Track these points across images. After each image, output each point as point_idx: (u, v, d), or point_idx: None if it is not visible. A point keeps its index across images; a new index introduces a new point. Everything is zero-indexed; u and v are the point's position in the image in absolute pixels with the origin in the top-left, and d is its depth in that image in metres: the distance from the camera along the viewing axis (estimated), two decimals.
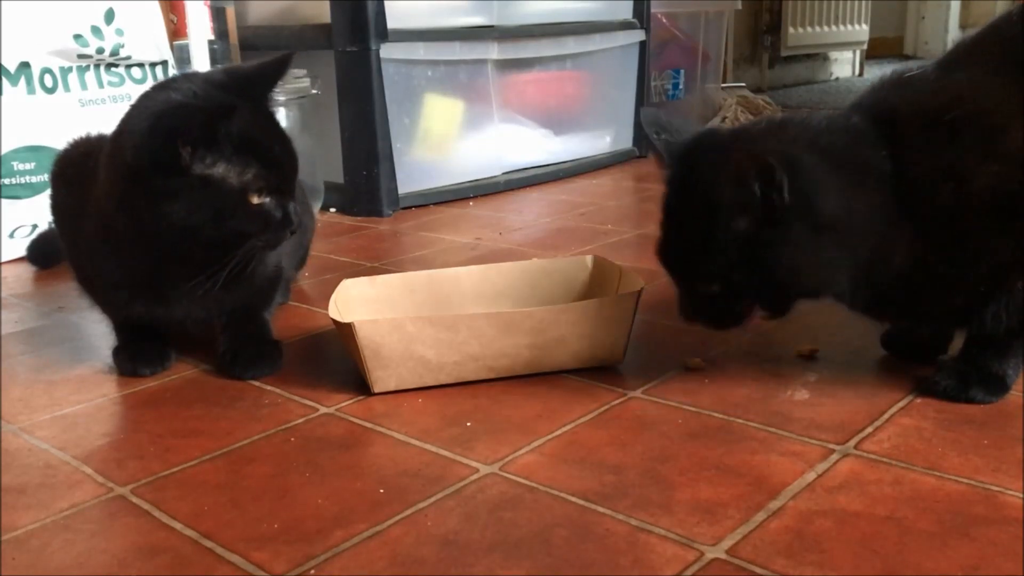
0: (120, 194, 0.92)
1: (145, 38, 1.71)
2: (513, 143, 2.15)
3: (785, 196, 0.78)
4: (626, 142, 2.47)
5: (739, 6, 3.00)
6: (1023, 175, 0.79)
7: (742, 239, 0.81)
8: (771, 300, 0.87)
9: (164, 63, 1.77)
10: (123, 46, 1.68)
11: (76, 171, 1.04)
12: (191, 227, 0.89)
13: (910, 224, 0.83)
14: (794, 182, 0.78)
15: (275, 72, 0.96)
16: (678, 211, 0.86)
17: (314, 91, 1.83)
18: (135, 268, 0.97)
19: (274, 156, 0.93)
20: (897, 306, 0.88)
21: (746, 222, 0.80)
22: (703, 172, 0.83)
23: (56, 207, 1.10)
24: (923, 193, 0.82)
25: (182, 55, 1.80)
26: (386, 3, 1.80)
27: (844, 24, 4.04)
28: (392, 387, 0.94)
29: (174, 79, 0.98)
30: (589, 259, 1.14)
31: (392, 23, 1.82)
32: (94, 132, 1.11)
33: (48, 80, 1.61)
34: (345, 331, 0.92)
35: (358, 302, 1.07)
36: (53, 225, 1.13)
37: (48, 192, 1.12)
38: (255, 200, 0.91)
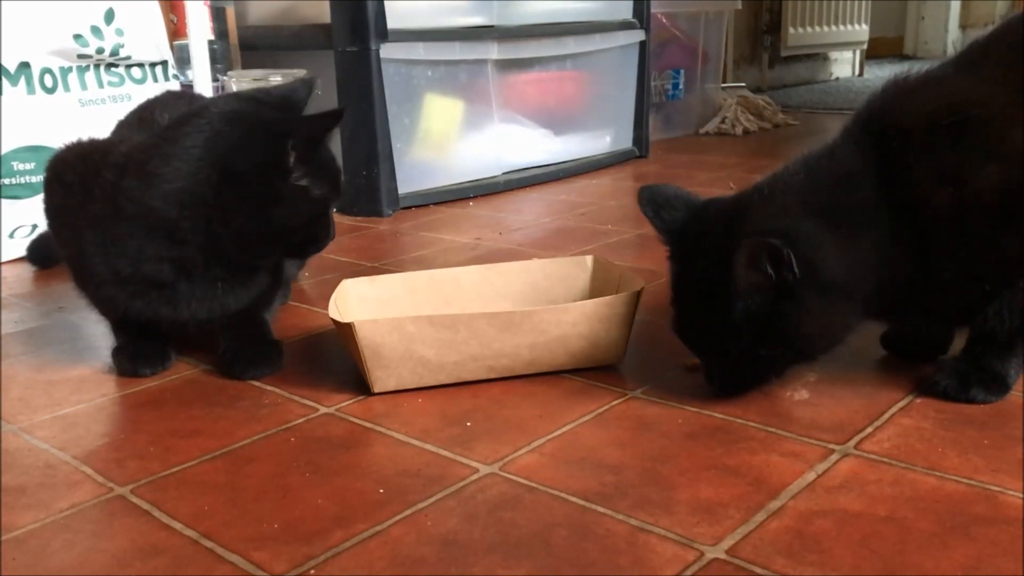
0: (203, 196, 0.94)
1: (145, 38, 1.71)
2: (513, 143, 2.15)
3: (796, 271, 0.80)
4: (626, 142, 2.47)
5: (739, 6, 3.00)
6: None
7: (757, 315, 0.83)
8: (786, 363, 0.90)
9: (164, 63, 1.77)
10: (123, 46, 1.68)
11: (74, 172, 1.04)
12: (286, 229, 0.98)
13: (910, 232, 0.83)
14: (798, 255, 0.80)
15: (332, 123, 1.00)
16: (690, 291, 0.89)
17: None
18: (164, 264, 0.97)
19: (335, 175, 1.02)
20: (902, 307, 0.89)
21: (760, 300, 0.82)
22: (711, 255, 0.85)
23: (52, 209, 1.09)
24: (925, 197, 0.82)
25: (182, 55, 1.80)
26: (386, 3, 1.80)
27: (844, 24, 4.04)
28: (392, 387, 0.94)
29: (240, 97, 1.05)
30: (589, 259, 1.14)
31: (392, 23, 1.82)
32: (86, 136, 1.11)
33: (48, 80, 1.61)
34: (345, 331, 0.92)
35: (358, 302, 1.07)
36: (48, 228, 1.13)
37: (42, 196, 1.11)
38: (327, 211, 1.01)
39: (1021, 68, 0.83)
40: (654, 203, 0.94)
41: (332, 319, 0.94)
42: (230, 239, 0.96)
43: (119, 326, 1.08)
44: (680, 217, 0.92)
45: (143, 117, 1.14)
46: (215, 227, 0.95)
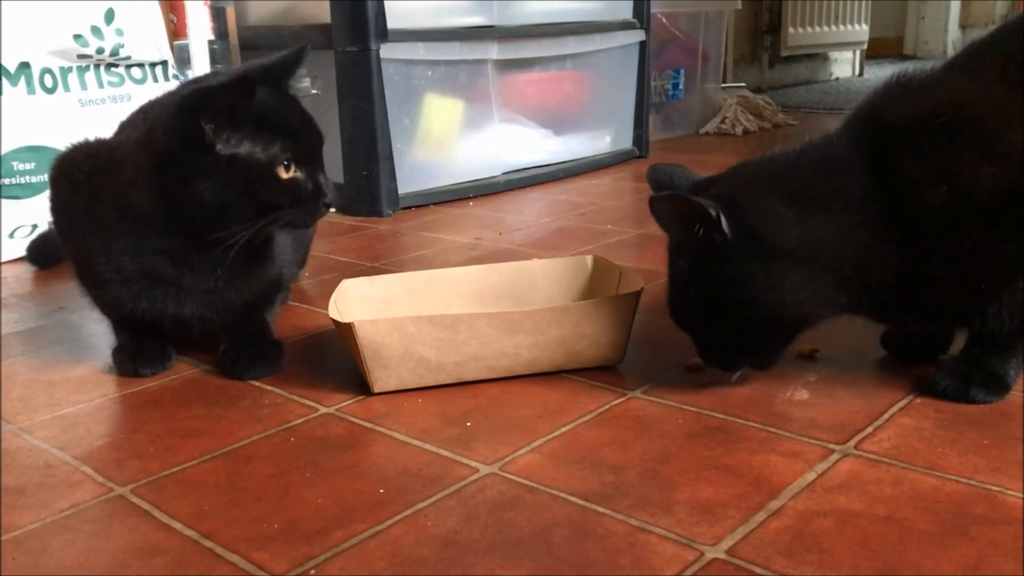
0: (152, 179, 0.94)
1: (145, 38, 1.71)
2: (513, 143, 2.15)
3: (726, 231, 0.83)
4: (626, 142, 2.47)
5: (739, 6, 3.00)
6: (1021, 176, 0.79)
7: (707, 282, 0.86)
8: (754, 343, 0.90)
9: (164, 63, 1.77)
10: (123, 46, 1.68)
11: (82, 171, 1.04)
12: (222, 204, 0.92)
13: (904, 231, 0.83)
14: (737, 218, 0.83)
15: (293, 61, 1.00)
16: (671, 266, 0.92)
17: (314, 91, 1.83)
18: (158, 256, 0.98)
19: (297, 127, 0.96)
20: (900, 309, 0.89)
21: (700, 262, 0.86)
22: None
23: (58, 207, 1.09)
24: (920, 195, 0.82)
25: (182, 55, 1.80)
26: (386, 3, 1.80)
27: (844, 24, 4.04)
28: (392, 387, 0.94)
29: (204, 76, 1.04)
30: (589, 259, 1.14)
31: (392, 23, 1.82)
32: (92, 136, 1.11)
33: (48, 80, 1.61)
34: (345, 331, 0.92)
35: (358, 302, 1.07)
36: (53, 226, 1.13)
37: (48, 193, 1.11)
38: (284, 174, 0.94)
39: (1017, 68, 0.83)
40: (658, 183, 0.96)
41: (332, 319, 0.94)
42: (183, 218, 0.95)
43: (120, 325, 1.08)
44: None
45: (148, 118, 1.14)
46: (168, 209, 0.95)
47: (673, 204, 0.85)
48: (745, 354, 0.90)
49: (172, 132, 0.92)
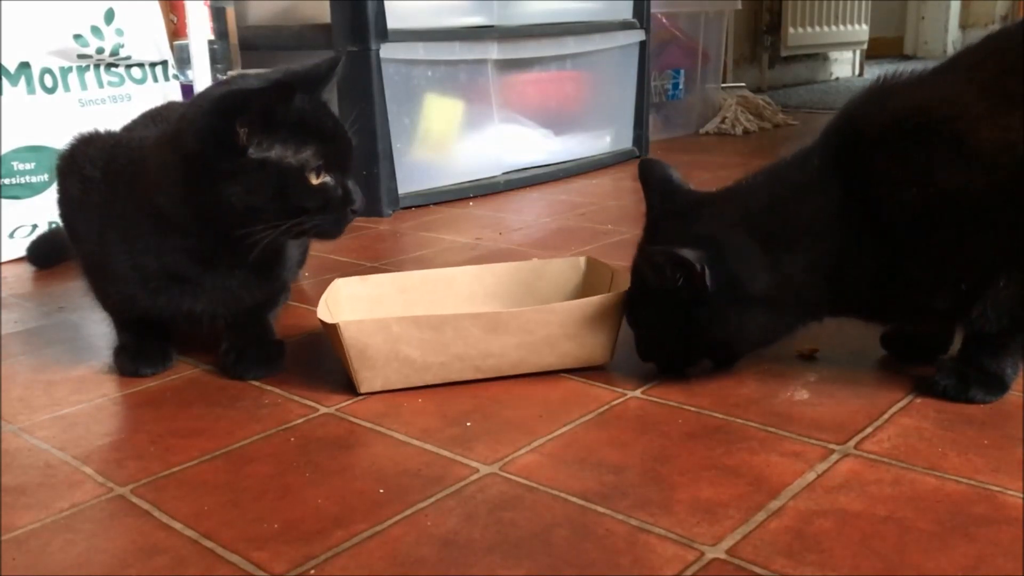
0: (178, 179, 0.93)
1: (145, 38, 1.71)
2: (513, 143, 2.15)
3: (708, 284, 0.86)
4: (626, 142, 2.47)
5: (739, 6, 3.00)
6: (992, 176, 0.80)
7: (675, 313, 0.90)
8: (715, 357, 0.98)
9: (164, 63, 1.77)
10: (123, 46, 1.68)
11: (95, 166, 1.03)
12: (250, 207, 0.91)
13: (879, 234, 0.85)
14: (720, 267, 0.86)
15: (327, 71, 0.99)
16: (636, 272, 0.96)
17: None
18: (180, 255, 0.98)
19: (329, 133, 0.95)
20: (882, 311, 0.91)
21: (672, 303, 0.89)
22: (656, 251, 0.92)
23: (68, 202, 1.07)
24: (890, 200, 0.84)
25: (182, 55, 1.80)
26: (386, 3, 1.80)
27: (844, 24, 4.04)
28: (378, 387, 0.94)
29: (233, 79, 1.03)
30: (582, 260, 1.14)
31: (392, 23, 1.82)
32: (97, 129, 1.10)
33: (48, 80, 1.61)
34: (331, 332, 0.92)
35: (349, 302, 1.07)
36: (60, 220, 1.11)
37: (55, 188, 1.09)
38: (314, 179, 0.93)
39: (990, 71, 0.84)
40: (647, 181, 1.03)
41: (320, 319, 0.94)
42: (207, 219, 0.94)
43: (123, 325, 1.08)
44: (665, 204, 0.99)
45: (156, 122, 1.13)
46: (193, 210, 0.94)
47: (663, 257, 0.88)
48: (706, 358, 0.97)
49: (203, 133, 0.91)
